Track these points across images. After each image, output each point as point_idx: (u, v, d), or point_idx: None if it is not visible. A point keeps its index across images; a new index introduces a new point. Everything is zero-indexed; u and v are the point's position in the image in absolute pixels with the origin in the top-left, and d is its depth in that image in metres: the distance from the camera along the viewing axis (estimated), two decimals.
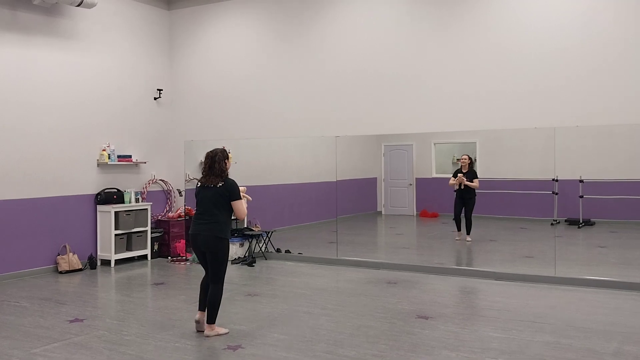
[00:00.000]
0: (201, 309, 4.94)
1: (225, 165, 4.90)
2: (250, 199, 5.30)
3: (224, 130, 9.12)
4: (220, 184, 4.80)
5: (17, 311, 5.73)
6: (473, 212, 8.54)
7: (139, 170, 9.03)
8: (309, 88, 8.45)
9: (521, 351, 4.33)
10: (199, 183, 4.93)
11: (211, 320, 4.80)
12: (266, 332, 4.89)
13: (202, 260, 4.91)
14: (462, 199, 8.58)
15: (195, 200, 4.95)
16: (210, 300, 4.79)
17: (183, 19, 9.51)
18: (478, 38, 7.33)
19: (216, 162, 4.83)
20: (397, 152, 9.61)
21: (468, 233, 8.59)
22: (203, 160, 4.96)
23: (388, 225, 10.13)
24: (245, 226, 9.05)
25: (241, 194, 4.90)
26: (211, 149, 4.95)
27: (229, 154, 5.03)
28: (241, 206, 4.85)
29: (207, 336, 4.78)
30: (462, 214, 8.59)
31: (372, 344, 4.53)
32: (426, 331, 4.85)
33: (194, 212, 5.07)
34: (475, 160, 8.95)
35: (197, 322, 4.92)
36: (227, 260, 4.88)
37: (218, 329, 4.84)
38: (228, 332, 4.86)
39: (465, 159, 8.46)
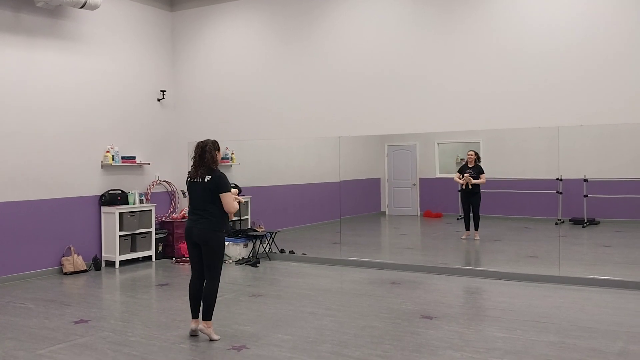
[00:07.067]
0: (195, 316, 4.82)
1: (216, 156, 4.76)
2: (242, 200, 5.02)
3: (227, 131, 9.13)
4: (208, 178, 4.66)
5: (23, 312, 5.75)
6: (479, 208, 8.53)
7: (143, 172, 9.05)
8: (312, 89, 8.46)
9: (526, 351, 4.32)
10: (189, 177, 4.80)
11: (207, 316, 4.70)
12: (270, 332, 4.90)
13: (195, 257, 4.77)
14: (467, 197, 8.54)
15: (188, 195, 4.90)
16: (206, 296, 4.68)
17: (186, 20, 9.53)
18: (481, 38, 7.32)
19: (207, 151, 4.70)
20: (401, 152, 9.60)
21: (476, 230, 8.57)
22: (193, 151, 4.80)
23: (392, 225, 10.12)
24: (249, 227, 9.07)
25: (232, 195, 4.77)
26: (202, 140, 4.84)
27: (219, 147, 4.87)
28: (229, 199, 4.68)
29: (200, 330, 4.72)
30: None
31: (376, 344, 4.53)
32: (430, 331, 4.85)
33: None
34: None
35: (194, 330, 4.80)
36: (222, 254, 4.76)
37: (212, 330, 4.74)
38: (219, 339, 4.72)
39: (471, 155, 8.44)
